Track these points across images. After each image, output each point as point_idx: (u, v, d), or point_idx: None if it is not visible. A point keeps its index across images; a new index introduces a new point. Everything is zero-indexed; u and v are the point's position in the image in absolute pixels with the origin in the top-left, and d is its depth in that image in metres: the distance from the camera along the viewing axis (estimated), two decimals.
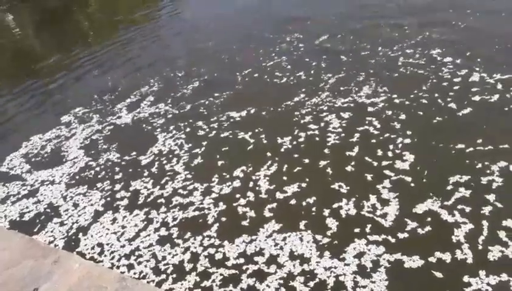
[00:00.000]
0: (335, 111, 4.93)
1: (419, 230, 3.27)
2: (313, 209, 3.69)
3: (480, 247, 3.03)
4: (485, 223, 3.20)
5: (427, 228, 3.27)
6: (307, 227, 3.52)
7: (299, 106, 5.21)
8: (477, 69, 5.01)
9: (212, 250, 3.54)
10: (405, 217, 3.40)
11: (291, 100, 5.35)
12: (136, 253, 3.69)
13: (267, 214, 3.75)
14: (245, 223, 3.72)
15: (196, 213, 3.98)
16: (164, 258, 3.58)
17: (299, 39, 6.97)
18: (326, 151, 4.35)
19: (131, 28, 10.09)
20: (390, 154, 4.07)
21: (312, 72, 5.87)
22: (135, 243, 3.80)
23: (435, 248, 3.09)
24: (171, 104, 6.04)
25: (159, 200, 4.25)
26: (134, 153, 5.10)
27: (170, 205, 4.15)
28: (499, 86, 4.63)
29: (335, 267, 3.13)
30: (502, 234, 3.09)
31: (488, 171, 3.64)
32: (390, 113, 4.63)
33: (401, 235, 3.26)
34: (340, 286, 2.99)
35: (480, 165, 3.71)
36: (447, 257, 3.02)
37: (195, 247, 3.61)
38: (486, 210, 3.31)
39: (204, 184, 4.32)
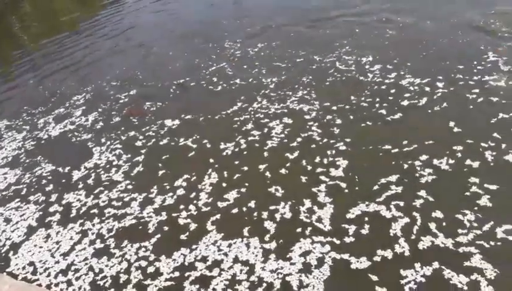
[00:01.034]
0: (275, 117, 4.99)
1: (357, 230, 3.36)
2: (255, 214, 3.70)
3: (414, 239, 3.18)
4: (417, 216, 3.36)
5: (365, 226, 3.37)
6: (249, 233, 3.52)
7: (240, 112, 5.22)
8: (405, 75, 5.27)
9: (152, 259, 3.47)
10: (344, 217, 3.50)
11: (231, 107, 5.36)
12: (73, 268, 3.53)
13: (209, 222, 3.71)
14: (187, 232, 3.66)
15: (135, 222, 3.89)
16: (101, 270, 3.44)
17: (238, 47, 7.02)
18: (267, 155, 4.39)
19: (65, 34, 9.73)
20: (328, 158, 4.16)
21: (251, 79, 5.92)
22: (70, 257, 3.63)
23: (375, 246, 3.20)
24: (103, 114, 5.85)
25: (96, 211, 4.11)
26: (68, 165, 4.88)
27: (108, 216, 4.02)
28: (427, 88, 4.91)
29: (281, 268, 3.16)
30: (432, 226, 3.26)
31: (417, 169, 3.82)
32: (328, 118, 4.74)
33: (340, 235, 3.34)
34: (286, 287, 3.02)
35: (407, 164, 3.89)
36: (388, 254, 3.13)
37: (133, 259, 3.52)
38: (418, 203, 3.48)
39: (143, 194, 4.22)
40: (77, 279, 3.44)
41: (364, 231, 3.32)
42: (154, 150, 4.87)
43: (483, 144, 3.94)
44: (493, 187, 3.47)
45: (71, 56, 8.26)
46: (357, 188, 3.75)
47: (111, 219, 3.98)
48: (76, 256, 3.66)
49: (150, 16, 9.92)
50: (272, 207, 3.73)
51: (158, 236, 3.70)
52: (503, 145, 3.88)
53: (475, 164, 3.73)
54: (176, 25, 8.84)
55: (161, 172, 4.49)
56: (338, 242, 3.28)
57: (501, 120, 4.20)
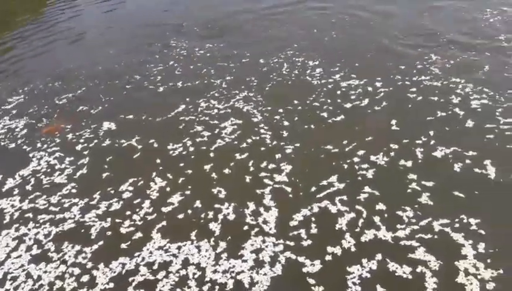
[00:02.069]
0: (222, 118, 4.97)
1: (304, 228, 3.42)
2: (202, 216, 3.67)
3: (359, 233, 3.27)
4: (362, 210, 3.47)
5: (311, 225, 3.43)
6: (196, 236, 3.49)
7: (187, 113, 5.16)
8: (348, 76, 5.42)
9: (94, 264, 3.36)
10: (291, 217, 3.55)
11: (177, 107, 5.29)
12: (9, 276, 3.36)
13: (155, 228, 3.64)
14: (131, 238, 3.57)
15: (76, 227, 3.77)
16: (39, 277, 3.31)
17: (185, 47, 6.94)
18: (214, 157, 4.37)
19: (9, 33, 9.15)
20: (274, 160, 4.18)
21: (198, 82, 5.86)
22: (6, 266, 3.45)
23: (323, 243, 3.27)
24: (36, 118, 5.58)
25: (33, 216, 3.95)
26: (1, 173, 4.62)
27: (45, 221, 3.86)
28: (369, 89, 5.08)
29: (233, 266, 3.17)
30: (377, 219, 3.38)
31: (357, 167, 3.94)
32: (275, 119, 4.78)
33: (288, 235, 3.39)
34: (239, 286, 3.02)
35: (347, 164, 4.01)
36: (337, 250, 3.21)
37: (71, 265, 3.40)
38: (362, 197, 3.60)
39: (86, 198, 4.08)
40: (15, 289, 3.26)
41: (311, 230, 3.38)
42: (98, 152, 4.72)
43: (419, 142, 4.12)
44: (429, 184, 3.63)
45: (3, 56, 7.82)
46: (301, 190, 3.79)
47: (47, 224, 3.83)
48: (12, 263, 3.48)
49: (98, 15, 9.57)
50: (218, 209, 3.71)
51: (101, 242, 3.58)
52: (438, 143, 4.07)
53: (411, 162, 3.89)
54: (122, 24, 8.62)
55: (105, 175, 4.36)
56: (286, 241, 3.31)
57: (438, 118, 4.42)
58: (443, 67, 5.28)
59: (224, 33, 7.33)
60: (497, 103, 4.46)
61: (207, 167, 4.23)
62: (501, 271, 2.84)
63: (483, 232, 3.13)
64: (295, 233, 3.36)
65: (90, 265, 3.38)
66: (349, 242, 3.22)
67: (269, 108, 5.02)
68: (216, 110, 5.13)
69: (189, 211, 3.74)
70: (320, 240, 3.27)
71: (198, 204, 3.81)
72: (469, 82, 4.89)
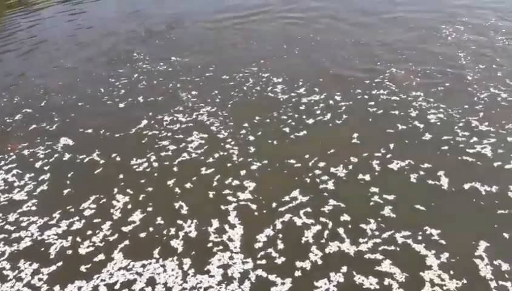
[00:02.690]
0: (186, 132, 4.93)
1: (270, 243, 3.43)
2: (164, 233, 3.62)
3: (325, 247, 3.30)
4: (326, 223, 3.51)
5: (279, 241, 3.44)
6: (160, 254, 3.42)
7: (150, 127, 5.09)
8: (310, 91, 5.50)
9: (50, 287, 3.24)
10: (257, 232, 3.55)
11: (139, 122, 5.20)
12: None
13: (117, 246, 3.54)
14: (91, 260, 3.45)
15: (34, 246, 3.60)
16: None
17: (147, 59, 6.85)
18: (178, 173, 4.32)
19: None
20: (238, 176, 4.17)
21: (161, 96, 5.80)
22: None
23: (292, 258, 3.27)
24: None
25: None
26: None
27: (7, 240, 3.68)
28: (331, 102, 5.18)
29: (200, 281, 3.11)
30: (341, 231, 3.43)
31: (321, 179, 3.99)
32: (239, 135, 4.77)
33: (258, 251, 3.38)
34: None
35: (309, 178, 4.06)
36: (305, 264, 3.22)
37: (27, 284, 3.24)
38: (326, 209, 3.65)
39: (45, 217, 3.92)
40: None
41: (278, 245, 3.38)
42: (58, 168, 4.58)
43: (378, 154, 4.22)
44: (390, 196, 3.71)
45: None
46: (266, 205, 3.78)
47: (1, 243, 3.66)
48: None
49: (59, 25, 9.28)
50: (181, 226, 3.67)
51: (60, 263, 3.45)
52: (397, 156, 4.19)
53: (372, 175, 3.98)
54: (83, 35, 8.39)
55: (66, 191, 4.23)
56: (252, 257, 3.30)
57: (399, 131, 4.55)
58: (402, 81, 5.46)
59: (188, 46, 7.29)
60: (452, 118, 4.65)
61: (170, 182, 4.17)
62: (465, 281, 2.94)
63: (443, 242, 3.23)
64: (262, 248, 3.36)
65: (45, 287, 3.24)
66: (316, 254, 3.24)
67: (232, 123, 5.00)
68: (179, 124, 5.08)
69: (151, 229, 3.67)
70: (287, 255, 3.28)
71: (160, 220, 3.74)
72: (428, 97, 5.07)
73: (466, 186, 3.74)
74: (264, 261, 3.24)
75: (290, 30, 7.50)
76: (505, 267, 3.00)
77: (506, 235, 3.24)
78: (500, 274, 2.95)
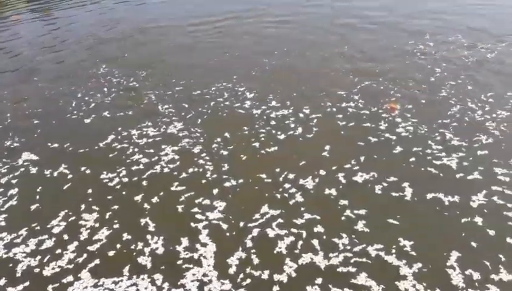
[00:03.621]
0: (154, 147, 4.86)
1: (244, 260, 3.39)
2: (132, 248, 3.54)
3: (297, 256, 3.30)
4: (299, 237, 3.50)
5: (253, 256, 3.41)
6: (130, 271, 3.33)
7: (118, 142, 5.00)
8: (281, 104, 5.54)
9: None
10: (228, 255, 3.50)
11: (106, 137, 5.11)
12: None
13: (86, 265, 3.43)
14: (61, 278, 3.34)
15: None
16: None
17: (116, 74, 6.74)
18: (147, 188, 4.24)
19: None
20: (211, 192, 4.11)
21: (131, 110, 5.72)
22: None
23: (268, 271, 3.24)
24: None
25: None
26: None
27: None
28: (301, 116, 5.23)
29: None
30: (315, 243, 3.43)
31: (290, 194, 4.00)
32: (215, 148, 4.75)
33: (231, 269, 3.34)
34: None
35: (280, 193, 4.07)
36: (282, 277, 3.19)
37: None
38: (299, 221, 3.65)
39: (13, 234, 3.79)
40: None
41: (252, 261, 3.35)
42: (26, 182, 4.45)
43: (348, 166, 4.27)
44: (361, 211, 3.73)
45: None
46: (238, 222, 3.73)
47: None
48: None
49: (29, 39, 9.02)
50: (151, 242, 3.59)
51: (27, 283, 3.30)
52: (367, 168, 4.24)
53: (341, 188, 4.00)
54: (50, 50, 8.21)
55: (33, 207, 4.09)
56: (226, 274, 3.24)
57: (368, 144, 4.62)
58: (374, 95, 5.56)
59: (157, 59, 7.24)
60: (423, 131, 4.74)
61: (138, 198, 4.09)
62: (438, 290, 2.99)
63: (414, 254, 3.27)
64: (236, 264, 3.31)
65: None
66: (290, 266, 3.23)
67: (202, 139, 4.95)
68: (148, 139, 5.01)
69: (118, 246, 3.57)
70: (262, 268, 3.24)
71: (127, 236, 3.66)
72: (401, 110, 5.19)
73: (429, 196, 3.81)
74: (239, 276, 3.19)
75: (263, 42, 7.58)
76: (475, 275, 3.06)
77: (474, 244, 3.31)
78: (471, 283, 3.01)
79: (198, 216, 3.81)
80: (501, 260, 3.16)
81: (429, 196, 3.82)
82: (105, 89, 6.30)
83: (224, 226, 3.69)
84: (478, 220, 3.53)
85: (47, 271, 3.37)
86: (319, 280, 3.10)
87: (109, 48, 7.87)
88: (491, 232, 3.40)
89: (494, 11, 8.25)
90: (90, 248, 3.57)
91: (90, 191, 4.22)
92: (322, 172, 4.21)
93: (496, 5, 8.60)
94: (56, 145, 5.03)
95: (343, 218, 3.67)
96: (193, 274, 3.23)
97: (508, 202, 3.69)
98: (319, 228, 3.56)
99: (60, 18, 9.94)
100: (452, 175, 4.07)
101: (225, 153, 4.66)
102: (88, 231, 3.74)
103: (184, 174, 4.36)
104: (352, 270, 3.18)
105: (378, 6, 8.95)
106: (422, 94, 5.52)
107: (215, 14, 9.15)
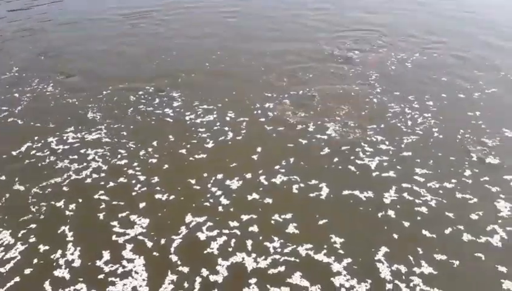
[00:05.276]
0: (75, 153, 4.64)
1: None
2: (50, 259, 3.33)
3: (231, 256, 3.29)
4: (232, 237, 3.51)
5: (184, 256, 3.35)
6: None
7: (36, 150, 4.69)
8: (211, 108, 5.49)
9: None
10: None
11: (24, 144, 4.80)
12: None
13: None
14: None
15: None
16: None
17: (38, 80, 6.27)
18: (68, 197, 4.02)
19: None
20: (136, 204, 3.96)
21: (48, 119, 5.34)
22: None
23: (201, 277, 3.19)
24: None
25: None
26: None
27: None
28: (227, 119, 5.23)
29: None
30: (249, 243, 3.44)
31: (218, 201, 3.96)
32: (142, 157, 4.59)
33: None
34: None
35: (209, 196, 4.06)
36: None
37: None
38: (232, 225, 3.66)
39: None
40: None
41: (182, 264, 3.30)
42: None
43: (277, 167, 4.34)
44: (288, 214, 3.78)
45: None
46: (163, 234, 3.62)
47: None
48: None
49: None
50: (65, 254, 3.40)
51: None
52: (295, 171, 4.32)
53: (270, 191, 4.05)
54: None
55: None
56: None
57: (292, 147, 4.70)
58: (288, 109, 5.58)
59: (74, 69, 6.83)
60: (351, 134, 4.89)
61: (59, 204, 3.87)
62: (368, 284, 3.12)
63: (342, 252, 3.38)
64: (168, 275, 3.22)
65: None
66: (222, 265, 3.22)
67: (132, 146, 4.77)
68: (68, 146, 4.76)
69: (35, 260, 3.35)
70: (195, 274, 3.20)
71: (44, 247, 3.44)
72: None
73: (346, 192, 3.99)
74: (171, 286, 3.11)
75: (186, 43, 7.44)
76: (402, 269, 3.23)
77: (395, 236, 3.51)
78: (398, 275, 3.18)
79: (123, 231, 3.65)
80: (419, 253, 3.37)
81: (346, 192, 3.99)
82: (27, 96, 5.87)
83: (149, 240, 3.55)
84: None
85: None
86: (252, 280, 3.12)
87: (31, 56, 7.30)
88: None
89: None
90: (1, 269, 3.28)
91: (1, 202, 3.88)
92: (248, 175, 4.24)
93: None
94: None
95: (272, 222, 3.70)
96: (124, 284, 3.09)
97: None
98: (254, 228, 3.58)
99: None
100: (368, 173, 4.26)
101: (156, 160, 4.53)
102: (1, 249, 3.43)
103: (111, 184, 4.17)
104: (284, 269, 3.23)
105: None
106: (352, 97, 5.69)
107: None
